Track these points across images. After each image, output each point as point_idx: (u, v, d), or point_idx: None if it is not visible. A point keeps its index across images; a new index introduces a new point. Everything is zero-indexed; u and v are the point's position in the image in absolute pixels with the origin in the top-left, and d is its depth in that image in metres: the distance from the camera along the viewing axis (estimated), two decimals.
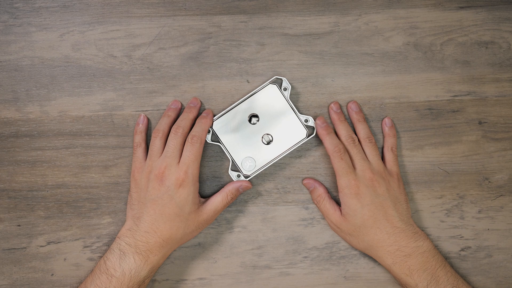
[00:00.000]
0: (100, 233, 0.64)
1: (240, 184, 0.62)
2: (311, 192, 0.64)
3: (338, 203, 0.63)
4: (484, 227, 0.64)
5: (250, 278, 0.64)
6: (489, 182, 0.64)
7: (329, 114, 0.63)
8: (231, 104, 0.63)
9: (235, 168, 0.62)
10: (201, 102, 0.63)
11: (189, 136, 0.60)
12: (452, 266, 0.63)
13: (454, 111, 0.64)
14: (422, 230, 0.64)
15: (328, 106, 0.63)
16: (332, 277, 0.64)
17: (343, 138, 0.62)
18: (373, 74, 0.64)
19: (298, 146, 0.63)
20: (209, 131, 0.61)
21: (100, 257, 0.63)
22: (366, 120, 0.63)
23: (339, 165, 0.60)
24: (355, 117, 0.63)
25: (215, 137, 0.62)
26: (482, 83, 0.64)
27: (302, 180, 0.64)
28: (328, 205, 0.62)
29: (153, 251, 0.58)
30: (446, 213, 0.64)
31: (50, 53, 0.63)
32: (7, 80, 0.63)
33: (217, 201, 0.61)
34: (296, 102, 0.64)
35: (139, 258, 0.58)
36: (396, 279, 0.61)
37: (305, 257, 0.64)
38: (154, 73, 0.63)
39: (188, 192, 0.58)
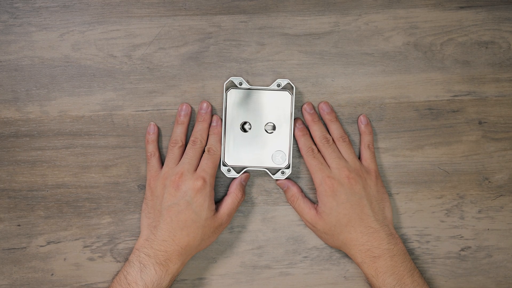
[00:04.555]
0: (100, 233, 0.64)
1: (240, 178, 0.62)
2: (285, 192, 0.64)
3: (313, 202, 0.63)
4: (484, 227, 0.64)
5: (250, 278, 0.64)
6: (489, 182, 0.64)
7: (302, 115, 0.63)
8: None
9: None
10: (211, 105, 0.63)
11: (206, 149, 0.61)
12: (422, 274, 0.61)
13: (454, 111, 0.64)
14: (423, 230, 0.64)
15: (301, 106, 0.63)
16: (332, 277, 0.64)
17: (317, 139, 0.62)
18: (373, 74, 0.64)
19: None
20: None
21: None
22: (338, 119, 0.63)
23: (312, 163, 0.61)
24: (327, 117, 0.63)
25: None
26: (482, 83, 0.64)
27: (276, 180, 0.64)
28: (303, 204, 0.62)
29: (172, 260, 0.58)
30: (446, 213, 0.64)
31: (50, 53, 0.63)
32: (7, 80, 0.63)
33: (228, 203, 0.61)
34: (296, 102, 0.64)
35: (159, 268, 0.57)
36: (365, 278, 0.62)
37: (305, 257, 0.64)
38: (154, 73, 0.63)
39: (205, 198, 0.59)
